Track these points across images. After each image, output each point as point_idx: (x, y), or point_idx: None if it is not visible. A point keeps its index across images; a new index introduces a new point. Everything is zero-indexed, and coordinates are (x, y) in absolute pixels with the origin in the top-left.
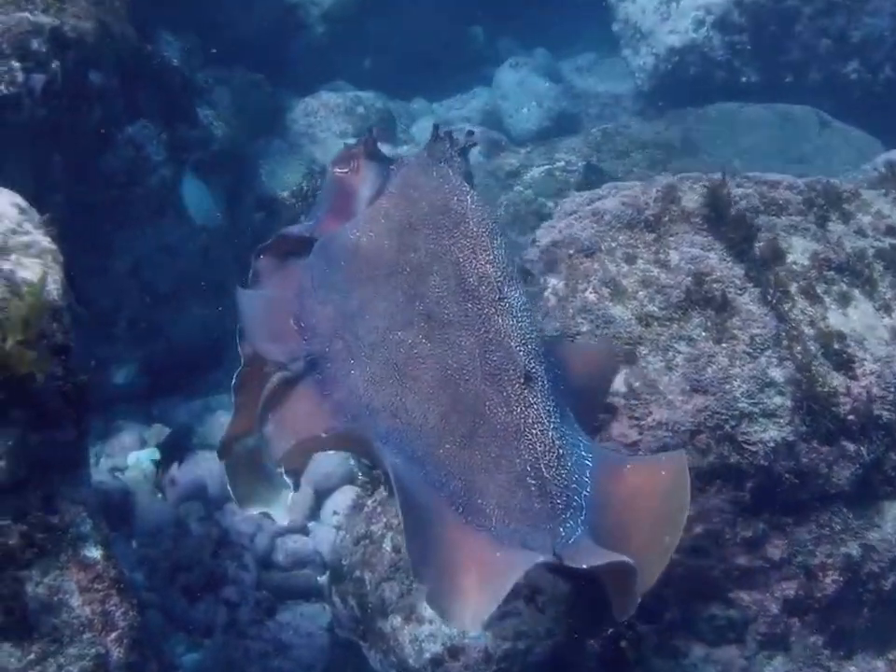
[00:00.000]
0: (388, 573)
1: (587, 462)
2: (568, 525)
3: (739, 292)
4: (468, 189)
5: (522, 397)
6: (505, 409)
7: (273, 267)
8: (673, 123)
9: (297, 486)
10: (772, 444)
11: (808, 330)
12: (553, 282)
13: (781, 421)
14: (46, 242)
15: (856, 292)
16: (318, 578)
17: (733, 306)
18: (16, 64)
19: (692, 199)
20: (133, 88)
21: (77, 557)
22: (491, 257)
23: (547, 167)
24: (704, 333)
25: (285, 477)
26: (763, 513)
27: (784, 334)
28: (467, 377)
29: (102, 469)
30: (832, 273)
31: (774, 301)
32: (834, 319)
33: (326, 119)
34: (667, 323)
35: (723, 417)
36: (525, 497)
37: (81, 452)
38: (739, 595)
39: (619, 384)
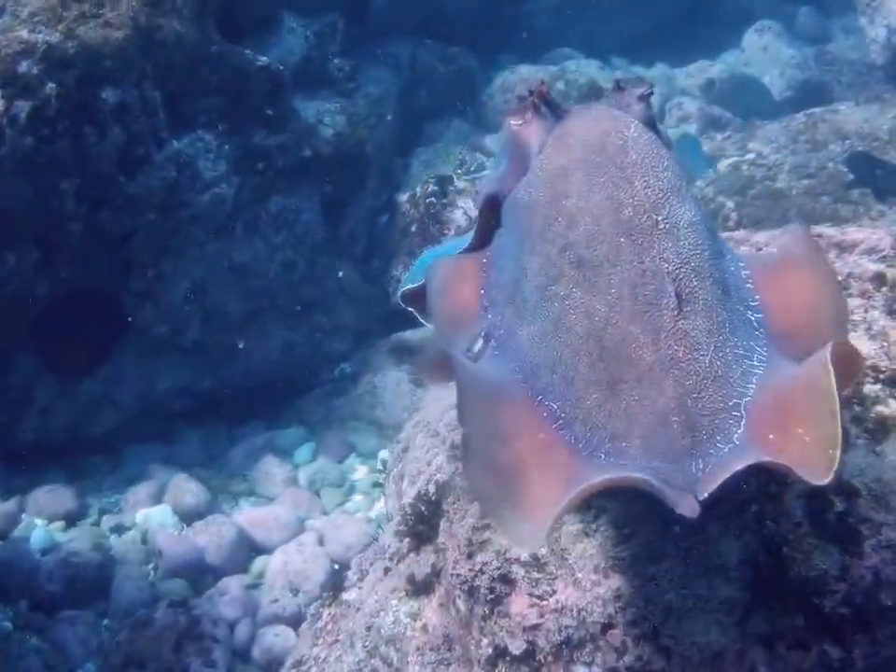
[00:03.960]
0: None
1: (756, 370)
2: (711, 451)
3: None
4: (630, 122)
5: (674, 329)
6: (652, 348)
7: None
8: (888, 108)
9: None
10: (710, 651)
11: (801, 485)
12: None
13: (727, 620)
14: None
15: None
16: None
17: None
18: None
19: None
20: (191, 96)
21: None
22: (649, 181)
23: (735, 159)
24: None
25: None
26: None
27: (755, 490)
28: (615, 320)
29: (103, 527)
30: (877, 385)
31: None
32: (853, 463)
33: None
34: None
35: (643, 611)
36: (668, 437)
37: None
38: None
39: None
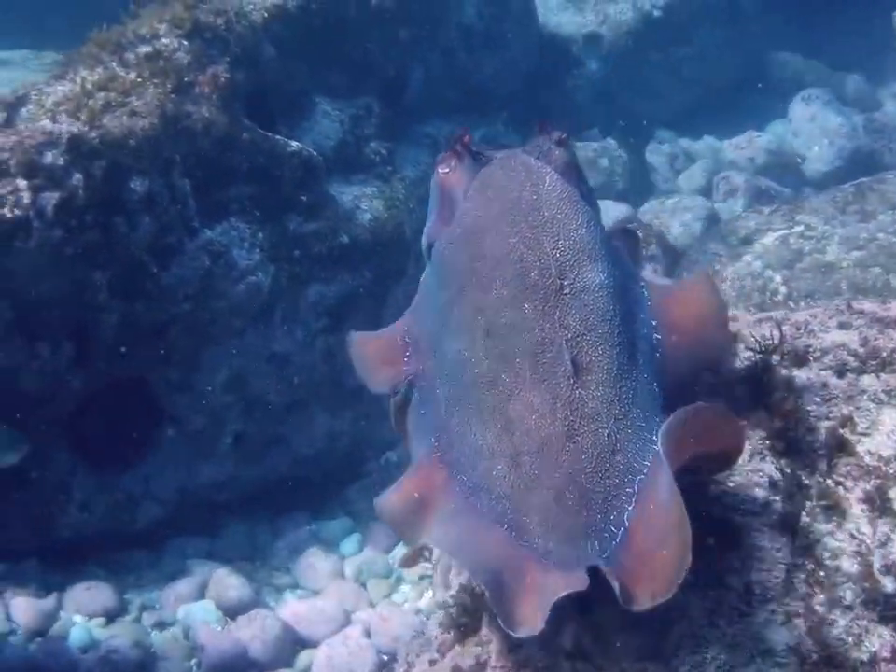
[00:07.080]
0: None
1: (653, 440)
2: (605, 534)
3: (757, 511)
4: (546, 173)
5: (570, 399)
6: (549, 420)
7: None
8: None
9: None
10: None
11: (849, 566)
12: None
13: None
14: None
15: None
16: None
17: (738, 536)
18: (22, 183)
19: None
20: (222, 184)
21: None
22: (558, 241)
23: (783, 232)
24: (690, 576)
25: None
26: None
27: (804, 576)
28: (517, 390)
29: (144, 623)
30: None
31: (801, 523)
32: None
33: None
34: None
35: None
36: (563, 513)
37: None
38: None
39: (566, 638)
